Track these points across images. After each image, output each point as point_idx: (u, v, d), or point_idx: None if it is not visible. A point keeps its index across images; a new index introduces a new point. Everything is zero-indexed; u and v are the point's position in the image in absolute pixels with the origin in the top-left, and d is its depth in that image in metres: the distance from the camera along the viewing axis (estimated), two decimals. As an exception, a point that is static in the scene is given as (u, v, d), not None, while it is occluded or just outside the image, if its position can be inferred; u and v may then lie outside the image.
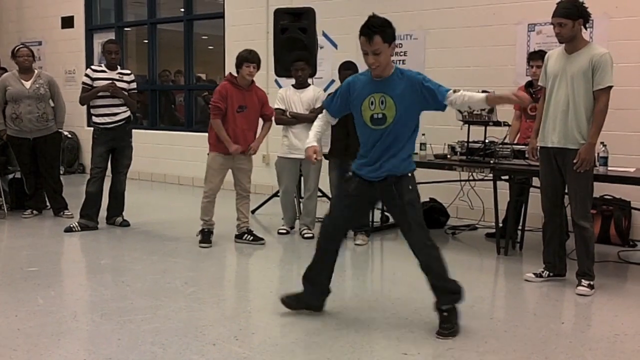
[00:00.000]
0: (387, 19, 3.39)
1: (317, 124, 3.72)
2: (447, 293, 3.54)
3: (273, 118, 5.69)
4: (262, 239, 5.60)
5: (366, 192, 3.59)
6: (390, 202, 3.58)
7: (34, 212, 6.69)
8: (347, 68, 5.70)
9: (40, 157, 6.54)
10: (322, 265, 3.71)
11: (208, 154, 5.50)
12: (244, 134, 5.39)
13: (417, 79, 3.45)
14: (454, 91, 3.45)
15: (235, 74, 5.44)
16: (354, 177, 3.62)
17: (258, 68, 5.43)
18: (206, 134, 5.63)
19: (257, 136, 5.53)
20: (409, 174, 3.54)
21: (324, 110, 3.73)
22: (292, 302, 3.77)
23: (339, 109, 3.67)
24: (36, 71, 6.62)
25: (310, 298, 3.76)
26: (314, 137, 3.66)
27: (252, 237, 5.60)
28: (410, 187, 3.51)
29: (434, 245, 3.56)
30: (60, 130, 6.70)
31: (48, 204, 6.78)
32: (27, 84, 6.45)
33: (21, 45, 6.69)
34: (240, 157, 5.46)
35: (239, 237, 5.64)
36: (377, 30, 3.30)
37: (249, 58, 5.34)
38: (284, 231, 5.97)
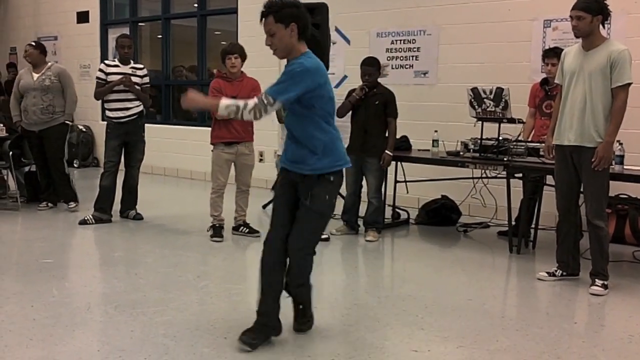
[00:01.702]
0: (294, 1, 3.09)
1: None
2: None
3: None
4: (257, 232, 5.65)
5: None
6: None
7: (49, 204, 6.74)
8: (368, 64, 5.65)
9: (46, 149, 6.56)
10: None
11: (212, 151, 5.53)
12: (239, 122, 5.38)
13: (288, 65, 3.13)
14: (263, 94, 3.09)
15: (222, 69, 5.55)
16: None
17: (242, 58, 5.48)
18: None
19: (252, 126, 5.53)
20: (320, 175, 3.17)
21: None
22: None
23: None
24: (48, 64, 6.64)
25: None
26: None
27: (247, 230, 5.67)
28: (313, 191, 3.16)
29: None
30: (67, 122, 6.62)
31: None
32: (36, 77, 6.50)
33: (28, 44, 6.73)
34: (244, 152, 5.52)
35: (235, 229, 5.71)
36: (270, 10, 3.07)
37: (229, 50, 5.44)
38: None
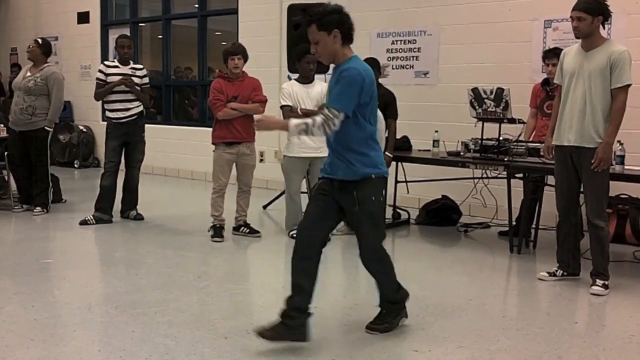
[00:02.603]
0: (335, 7, 3.18)
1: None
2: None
3: (265, 106, 5.56)
4: (258, 232, 5.66)
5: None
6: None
7: (24, 206, 6.56)
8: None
9: (26, 152, 6.40)
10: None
11: (213, 151, 5.53)
12: (240, 123, 5.41)
13: (341, 70, 3.16)
14: (326, 108, 3.13)
15: (224, 69, 5.55)
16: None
17: (244, 58, 5.48)
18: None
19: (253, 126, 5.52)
20: (362, 180, 3.21)
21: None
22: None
23: None
24: (45, 65, 6.40)
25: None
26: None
27: (248, 230, 5.67)
28: (356, 193, 3.21)
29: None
30: (47, 128, 6.31)
31: (61, 197, 6.80)
32: (26, 75, 6.36)
33: (35, 39, 6.54)
34: (246, 152, 5.51)
35: (236, 229, 5.71)
36: (312, 19, 3.15)
37: (232, 51, 5.43)
38: None
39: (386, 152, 5.60)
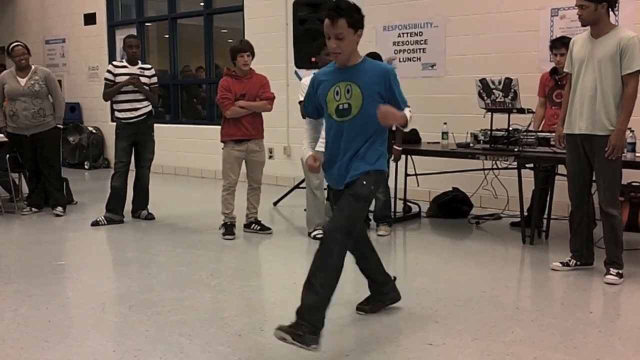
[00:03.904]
0: (357, 5, 3.12)
1: (308, 134, 3.48)
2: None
3: (272, 104, 5.56)
4: (269, 229, 5.66)
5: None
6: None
7: (33, 209, 6.64)
8: (372, 57, 5.55)
9: (39, 154, 6.48)
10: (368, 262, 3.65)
11: (222, 149, 5.53)
12: (248, 120, 5.41)
13: (389, 72, 3.22)
14: (407, 104, 3.30)
15: (231, 67, 5.53)
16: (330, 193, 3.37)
17: (252, 55, 5.46)
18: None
19: (262, 124, 5.53)
20: (372, 172, 3.19)
21: (306, 118, 3.46)
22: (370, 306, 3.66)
23: (315, 109, 3.37)
24: (33, 67, 6.49)
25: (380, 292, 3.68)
26: (309, 147, 3.44)
27: (259, 227, 5.67)
28: (365, 182, 3.15)
29: (337, 242, 3.09)
30: (58, 125, 6.55)
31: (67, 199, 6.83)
32: (23, 81, 6.38)
33: (15, 43, 6.53)
34: (255, 149, 5.51)
35: (247, 226, 5.71)
36: (343, 13, 3.03)
37: (241, 48, 5.41)
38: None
39: (395, 146, 5.59)
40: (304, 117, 5.68)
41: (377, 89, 3.17)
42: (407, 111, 3.25)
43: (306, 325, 2.90)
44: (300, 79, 6.68)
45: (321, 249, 3.04)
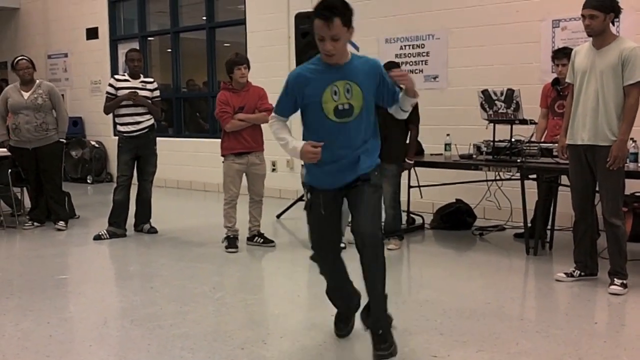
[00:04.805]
0: (346, 1, 2.95)
1: (284, 130, 3.17)
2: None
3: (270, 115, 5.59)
4: (272, 242, 5.64)
5: (333, 204, 3.15)
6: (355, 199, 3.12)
7: (35, 223, 6.64)
8: (389, 68, 5.54)
9: (40, 167, 6.49)
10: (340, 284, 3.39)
11: (223, 162, 5.53)
12: (248, 133, 5.42)
13: (379, 66, 3.08)
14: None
15: (227, 80, 5.54)
16: (317, 196, 3.14)
17: (248, 67, 5.49)
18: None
19: (262, 136, 5.53)
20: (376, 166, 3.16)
21: (275, 116, 3.24)
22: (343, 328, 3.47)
23: (291, 109, 3.19)
24: (37, 81, 6.54)
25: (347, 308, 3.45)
26: (295, 140, 3.10)
27: (262, 240, 5.66)
28: (377, 173, 3.13)
29: (381, 240, 3.12)
30: (61, 140, 6.58)
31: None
32: (26, 95, 6.41)
33: (20, 57, 6.58)
34: (255, 162, 5.51)
35: (250, 239, 5.70)
36: (338, 12, 2.85)
37: (237, 61, 5.43)
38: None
39: (407, 160, 5.56)
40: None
41: (372, 85, 3.06)
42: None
43: (391, 334, 3.06)
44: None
45: (375, 256, 3.01)
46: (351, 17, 2.94)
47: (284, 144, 3.14)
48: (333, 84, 3.01)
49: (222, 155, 5.54)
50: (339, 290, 3.39)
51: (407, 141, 5.59)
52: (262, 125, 5.54)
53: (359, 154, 3.08)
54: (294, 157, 3.12)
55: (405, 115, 3.28)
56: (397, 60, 7.26)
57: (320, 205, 3.12)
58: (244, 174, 5.55)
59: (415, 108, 5.60)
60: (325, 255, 3.28)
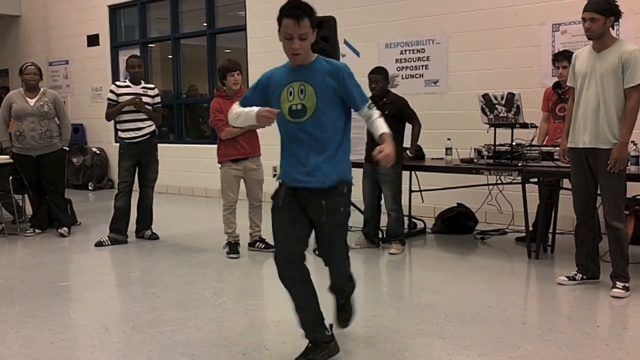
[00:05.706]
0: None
1: (237, 110, 3.17)
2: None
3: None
4: (273, 247, 5.60)
5: (294, 203, 3.13)
6: (317, 218, 3.12)
7: (36, 230, 6.64)
8: (374, 72, 5.54)
9: (43, 174, 6.49)
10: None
11: (220, 169, 5.53)
12: (244, 139, 5.43)
13: (342, 69, 3.03)
14: (369, 107, 3.09)
15: (220, 87, 5.56)
16: (282, 188, 3.17)
17: (241, 73, 5.51)
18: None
19: (258, 141, 5.54)
20: (343, 188, 3.07)
21: (236, 104, 3.23)
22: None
23: (254, 104, 3.15)
24: (42, 89, 6.57)
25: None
26: (251, 110, 3.09)
27: (264, 245, 5.65)
28: (342, 209, 3.08)
29: (353, 279, 3.41)
30: (64, 147, 6.61)
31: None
32: (32, 102, 6.41)
33: (29, 63, 6.63)
34: (252, 167, 5.51)
35: (251, 245, 5.70)
36: (307, 13, 2.93)
37: (231, 67, 5.44)
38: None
39: (407, 151, 5.59)
40: None
41: (332, 87, 3.00)
42: (376, 117, 3.09)
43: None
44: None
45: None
46: (316, 21, 3.00)
47: (240, 114, 3.13)
48: (290, 84, 3.07)
49: (219, 162, 5.54)
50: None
51: (406, 142, 5.61)
52: (257, 131, 5.55)
53: (321, 159, 3.02)
54: (252, 124, 3.14)
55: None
56: (397, 65, 7.30)
57: (280, 197, 3.14)
58: (242, 180, 5.55)
59: (407, 108, 5.60)
60: (285, 261, 3.33)
